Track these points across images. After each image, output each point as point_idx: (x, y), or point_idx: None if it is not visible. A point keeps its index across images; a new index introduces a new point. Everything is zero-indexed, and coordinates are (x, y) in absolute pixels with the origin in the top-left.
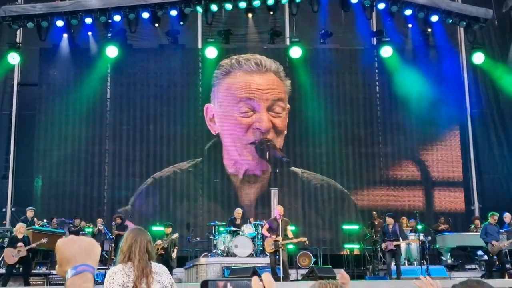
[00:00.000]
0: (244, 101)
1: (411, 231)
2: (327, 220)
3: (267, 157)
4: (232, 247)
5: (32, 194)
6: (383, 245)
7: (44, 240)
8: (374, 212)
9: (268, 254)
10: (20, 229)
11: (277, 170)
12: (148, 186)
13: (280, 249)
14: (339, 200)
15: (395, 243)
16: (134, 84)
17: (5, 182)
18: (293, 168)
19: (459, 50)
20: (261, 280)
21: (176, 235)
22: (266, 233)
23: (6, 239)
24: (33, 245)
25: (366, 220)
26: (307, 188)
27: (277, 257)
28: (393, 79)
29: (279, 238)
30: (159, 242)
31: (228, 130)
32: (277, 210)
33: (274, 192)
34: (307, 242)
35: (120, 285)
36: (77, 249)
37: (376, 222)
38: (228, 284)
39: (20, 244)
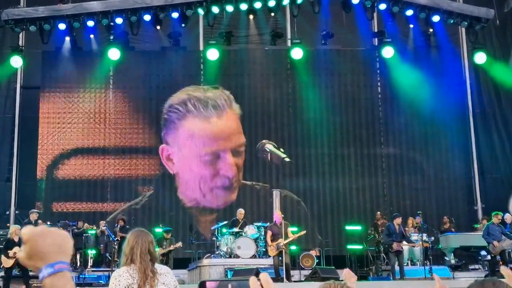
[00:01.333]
0: (209, 154)
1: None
2: (330, 221)
3: (269, 159)
4: (235, 248)
5: (35, 196)
6: (394, 246)
7: None
8: (378, 213)
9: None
10: (15, 232)
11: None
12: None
13: (283, 251)
14: (340, 201)
15: (402, 244)
16: (137, 87)
17: (8, 184)
18: (243, 181)
19: (460, 50)
20: (259, 280)
21: (179, 244)
22: (269, 241)
23: None
24: None
25: (368, 221)
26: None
27: (280, 258)
28: (394, 79)
29: (281, 240)
30: (159, 249)
31: (192, 172)
32: (276, 215)
33: (276, 194)
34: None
35: (125, 287)
36: (50, 244)
37: (379, 223)
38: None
39: (16, 248)
